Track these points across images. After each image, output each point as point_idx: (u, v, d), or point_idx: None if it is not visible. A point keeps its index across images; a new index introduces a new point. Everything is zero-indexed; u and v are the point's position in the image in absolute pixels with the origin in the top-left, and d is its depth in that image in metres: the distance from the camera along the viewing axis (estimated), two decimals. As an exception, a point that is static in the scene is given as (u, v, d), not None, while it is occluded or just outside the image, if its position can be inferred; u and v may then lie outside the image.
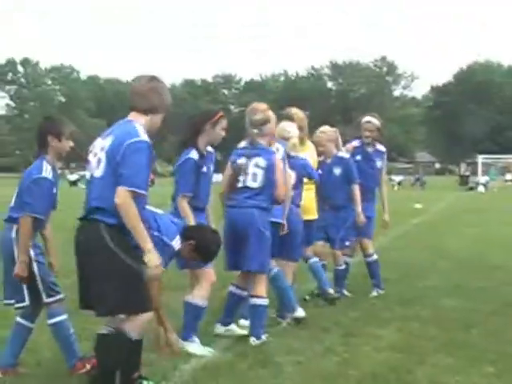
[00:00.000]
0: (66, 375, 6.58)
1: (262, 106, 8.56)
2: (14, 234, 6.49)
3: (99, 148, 5.61)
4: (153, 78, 5.83)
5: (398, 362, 7.10)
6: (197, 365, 6.93)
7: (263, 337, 7.74)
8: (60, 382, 6.42)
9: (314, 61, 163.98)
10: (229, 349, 7.52)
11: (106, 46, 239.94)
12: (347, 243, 10.37)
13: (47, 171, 6.55)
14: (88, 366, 6.47)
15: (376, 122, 10.76)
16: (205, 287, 7.54)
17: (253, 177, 7.86)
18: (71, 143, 6.82)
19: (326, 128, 10.62)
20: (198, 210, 7.64)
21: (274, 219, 8.23)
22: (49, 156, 6.66)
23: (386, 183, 11.36)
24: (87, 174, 5.73)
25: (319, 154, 10.18)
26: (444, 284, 11.61)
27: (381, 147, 10.88)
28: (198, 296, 7.51)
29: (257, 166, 7.88)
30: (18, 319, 6.72)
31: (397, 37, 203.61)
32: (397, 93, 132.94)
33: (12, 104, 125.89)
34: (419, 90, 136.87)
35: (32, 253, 6.51)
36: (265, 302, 7.90)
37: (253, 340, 7.66)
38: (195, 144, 7.62)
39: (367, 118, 10.85)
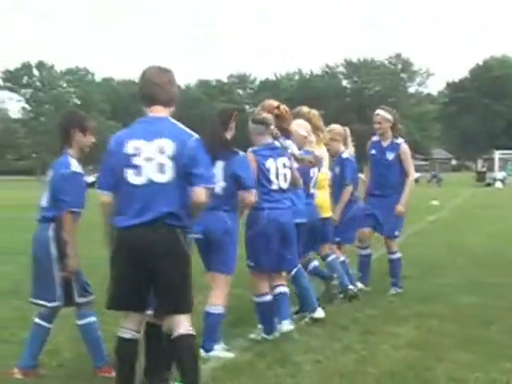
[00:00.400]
0: (87, 376, 6.62)
1: (273, 103, 8.58)
2: (51, 233, 6.50)
3: (155, 152, 5.40)
4: (167, 69, 5.73)
5: (416, 359, 7.09)
6: (216, 365, 6.94)
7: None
8: (81, 383, 6.44)
9: (324, 60, 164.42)
10: (247, 349, 7.52)
11: (117, 47, 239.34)
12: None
13: (75, 165, 6.53)
14: (114, 373, 6.48)
15: (384, 113, 10.75)
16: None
17: (283, 177, 7.90)
18: (93, 139, 6.78)
19: (333, 126, 10.67)
20: None
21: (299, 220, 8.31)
22: (72, 150, 6.64)
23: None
24: (135, 179, 5.40)
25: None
26: (462, 281, 11.57)
27: (397, 140, 10.81)
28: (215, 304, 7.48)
29: (284, 166, 7.93)
30: (37, 320, 6.74)
31: (411, 33, 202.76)
32: (412, 90, 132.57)
33: (28, 107, 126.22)
34: (435, 86, 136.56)
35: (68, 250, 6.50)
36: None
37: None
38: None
39: (376, 111, 10.89)
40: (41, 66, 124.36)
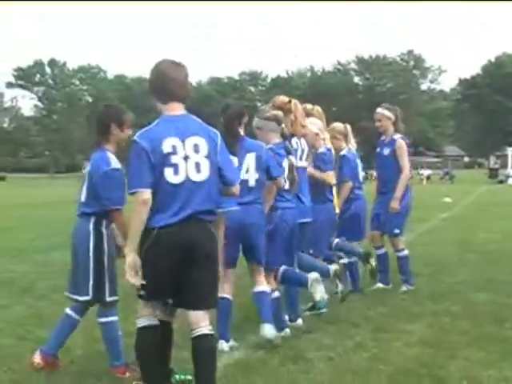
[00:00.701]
0: (97, 373, 6.63)
1: (285, 99, 8.53)
2: (91, 227, 6.46)
3: (190, 150, 5.42)
4: (182, 64, 5.69)
5: (429, 357, 7.09)
6: (228, 361, 6.97)
7: None
8: (92, 380, 6.46)
9: (333, 58, 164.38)
10: (259, 346, 7.51)
11: (130, 45, 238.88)
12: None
13: (114, 161, 6.48)
14: (128, 374, 6.50)
15: (383, 111, 10.76)
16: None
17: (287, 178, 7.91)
18: (130, 132, 6.70)
19: (334, 125, 10.60)
20: None
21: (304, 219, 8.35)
22: (110, 145, 6.59)
23: (414, 176, 11.20)
24: (173, 178, 5.37)
25: None
26: (474, 278, 11.54)
27: (395, 135, 10.72)
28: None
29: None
30: (68, 311, 6.77)
31: (423, 30, 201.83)
32: (424, 86, 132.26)
33: (40, 105, 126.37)
34: (447, 83, 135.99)
35: (105, 247, 6.50)
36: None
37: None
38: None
39: (376, 109, 10.90)
40: (53, 63, 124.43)
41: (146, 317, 5.69)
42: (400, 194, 10.35)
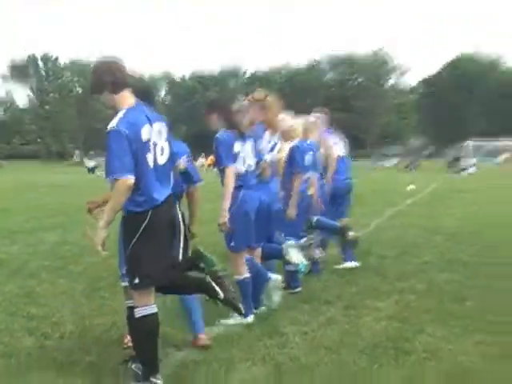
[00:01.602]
0: (87, 348, 6.59)
1: (261, 93, 8.45)
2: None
3: (157, 136, 5.49)
4: (118, 58, 5.74)
5: (395, 331, 7.12)
6: (208, 336, 6.91)
7: None
8: (82, 354, 6.40)
9: (309, 55, 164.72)
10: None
11: (119, 39, 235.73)
12: None
13: None
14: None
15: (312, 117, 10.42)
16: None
17: None
18: None
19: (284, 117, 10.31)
20: None
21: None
22: None
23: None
24: (151, 162, 5.40)
25: None
26: (438, 259, 11.61)
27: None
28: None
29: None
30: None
31: (391, 30, 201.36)
32: (391, 81, 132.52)
33: (33, 96, 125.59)
34: (412, 79, 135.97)
35: None
36: None
37: None
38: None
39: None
40: (45, 58, 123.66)
41: (144, 306, 5.50)
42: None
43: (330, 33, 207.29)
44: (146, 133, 5.34)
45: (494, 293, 8.93)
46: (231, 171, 7.26)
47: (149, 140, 5.37)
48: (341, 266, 10.67)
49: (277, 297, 8.04)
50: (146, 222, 5.35)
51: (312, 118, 10.17)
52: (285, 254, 8.23)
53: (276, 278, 7.98)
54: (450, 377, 5.80)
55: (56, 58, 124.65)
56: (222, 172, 7.31)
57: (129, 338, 6.26)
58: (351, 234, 10.19)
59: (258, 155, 7.76)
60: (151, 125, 5.41)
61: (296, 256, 8.29)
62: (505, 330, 7.10)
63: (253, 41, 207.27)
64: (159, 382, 5.49)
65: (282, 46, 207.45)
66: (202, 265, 5.99)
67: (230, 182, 7.25)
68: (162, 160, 5.52)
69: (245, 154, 7.54)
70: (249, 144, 7.60)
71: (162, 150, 5.53)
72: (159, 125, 5.53)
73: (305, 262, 8.35)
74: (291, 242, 8.26)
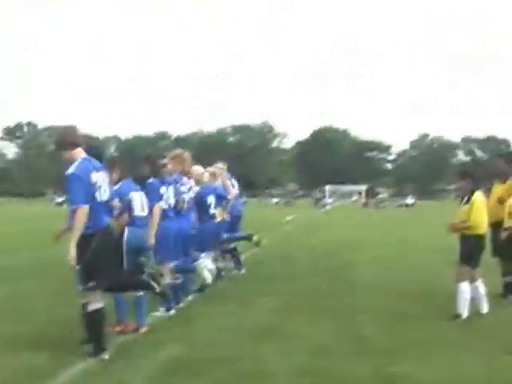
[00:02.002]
0: (63, 322, 6.45)
1: (179, 150, 8.49)
2: None
3: (102, 180, 5.61)
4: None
5: (276, 319, 7.15)
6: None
7: None
8: (56, 328, 6.24)
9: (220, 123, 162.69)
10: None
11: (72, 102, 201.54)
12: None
13: None
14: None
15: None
16: None
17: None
18: None
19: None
20: None
21: None
22: None
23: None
24: (99, 197, 5.53)
25: None
26: (308, 268, 11.76)
27: None
28: None
29: None
30: None
31: (272, 103, 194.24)
32: (274, 144, 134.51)
33: (19, 151, 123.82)
34: (289, 142, 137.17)
35: None
36: None
37: None
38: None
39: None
40: (29, 124, 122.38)
41: (94, 302, 5.52)
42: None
43: (225, 107, 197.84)
44: (94, 177, 5.51)
45: (343, 287, 9.09)
46: (158, 208, 7.19)
47: (96, 182, 5.52)
48: (238, 273, 10.63)
49: (208, 275, 7.80)
50: (95, 240, 5.41)
51: (216, 168, 10.19)
52: (196, 272, 8.04)
53: (202, 261, 7.80)
54: (312, 349, 5.84)
55: (35, 125, 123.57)
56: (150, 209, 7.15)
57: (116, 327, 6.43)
58: (255, 238, 10.59)
59: (178, 195, 7.71)
60: (97, 172, 5.58)
61: (206, 274, 8.12)
62: (348, 317, 7.22)
63: (179, 107, 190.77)
64: (106, 356, 5.51)
65: (197, 114, 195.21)
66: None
67: (156, 217, 7.10)
68: (105, 197, 5.65)
69: (167, 195, 7.48)
70: (170, 188, 7.55)
71: (105, 190, 5.65)
72: (102, 172, 5.69)
73: (209, 280, 7.89)
74: (201, 262, 7.97)
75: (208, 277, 7.98)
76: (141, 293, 6.49)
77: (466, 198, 7.31)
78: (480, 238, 7.22)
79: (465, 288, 7.08)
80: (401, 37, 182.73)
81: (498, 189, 8.65)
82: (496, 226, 8.21)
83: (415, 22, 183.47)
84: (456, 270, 7.29)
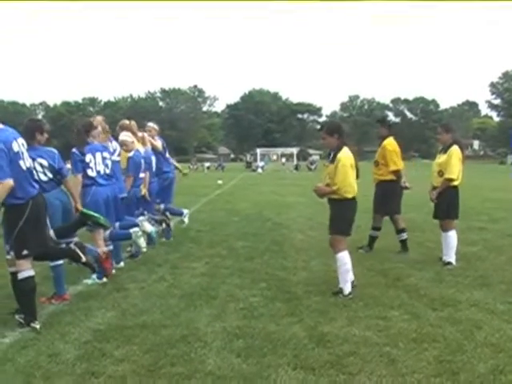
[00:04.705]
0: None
1: (126, 121, 8.98)
2: None
3: (22, 146, 5.48)
4: None
5: (207, 284, 7.21)
6: (73, 292, 6.76)
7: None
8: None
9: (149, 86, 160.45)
10: (93, 284, 7.29)
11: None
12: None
13: None
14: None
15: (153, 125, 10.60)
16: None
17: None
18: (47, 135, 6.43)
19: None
20: None
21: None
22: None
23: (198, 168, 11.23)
24: (24, 167, 5.38)
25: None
26: (236, 232, 11.82)
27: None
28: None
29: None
30: None
31: (205, 67, 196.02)
32: (205, 108, 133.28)
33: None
34: (219, 106, 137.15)
35: None
36: None
37: None
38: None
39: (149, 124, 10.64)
40: None
41: (26, 270, 5.43)
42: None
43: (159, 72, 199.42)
44: (15, 146, 5.31)
45: (273, 253, 9.27)
46: (77, 179, 7.16)
47: (19, 151, 5.35)
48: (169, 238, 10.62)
49: (142, 243, 7.93)
50: (28, 209, 5.31)
51: (149, 127, 10.39)
52: (140, 225, 8.14)
53: (134, 230, 7.83)
54: (244, 312, 5.97)
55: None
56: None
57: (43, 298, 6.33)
58: (185, 211, 10.79)
59: (104, 161, 7.57)
60: (16, 140, 5.37)
61: (148, 226, 8.41)
62: (278, 279, 7.42)
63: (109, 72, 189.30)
64: (37, 326, 5.43)
65: (129, 80, 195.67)
66: (89, 222, 6.43)
67: (77, 188, 7.02)
68: (28, 164, 5.50)
69: (94, 162, 7.37)
70: (98, 154, 7.41)
71: (26, 157, 5.50)
72: (21, 139, 5.50)
73: (154, 229, 8.58)
74: (137, 229, 8.01)
75: (144, 245, 8.01)
76: (60, 261, 6.38)
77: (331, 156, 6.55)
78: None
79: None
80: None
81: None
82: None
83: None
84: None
